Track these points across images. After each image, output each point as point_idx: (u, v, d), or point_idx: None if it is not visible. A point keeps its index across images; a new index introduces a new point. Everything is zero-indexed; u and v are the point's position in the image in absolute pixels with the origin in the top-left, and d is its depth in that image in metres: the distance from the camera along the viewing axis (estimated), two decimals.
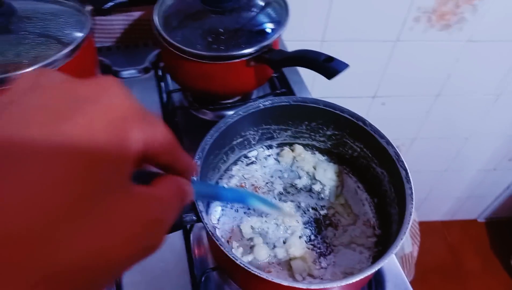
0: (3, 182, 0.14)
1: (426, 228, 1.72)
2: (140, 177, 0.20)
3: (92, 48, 0.61)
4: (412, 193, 0.42)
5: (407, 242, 1.16)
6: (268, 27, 0.62)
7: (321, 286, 0.37)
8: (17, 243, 0.14)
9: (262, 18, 0.64)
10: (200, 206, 0.40)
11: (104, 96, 0.18)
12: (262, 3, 0.67)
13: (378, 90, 1.14)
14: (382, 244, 0.49)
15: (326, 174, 0.56)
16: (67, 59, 0.52)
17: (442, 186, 1.56)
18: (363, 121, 0.48)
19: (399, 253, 1.15)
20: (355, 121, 0.48)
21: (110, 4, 0.59)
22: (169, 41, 0.58)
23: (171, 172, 0.24)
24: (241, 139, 0.52)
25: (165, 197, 0.21)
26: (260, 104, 0.49)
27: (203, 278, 0.48)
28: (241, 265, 0.37)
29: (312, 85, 1.10)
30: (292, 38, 0.96)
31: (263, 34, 0.61)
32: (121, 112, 0.18)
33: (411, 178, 0.43)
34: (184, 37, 0.62)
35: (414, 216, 1.23)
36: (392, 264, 0.53)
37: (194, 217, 0.40)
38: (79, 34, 0.55)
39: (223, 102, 0.70)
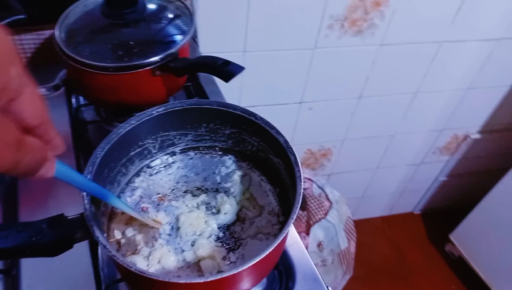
0: None
1: (367, 225, 1.80)
2: None
3: None
4: (300, 175, 0.44)
5: (342, 238, 1.20)
6: (173, 37, 0.63)
7: (219, 277, 0.38)
8: None
9: (168, 29, 0.65)
10: (91, 220, 0.39)
11: None
12: (168, 15, 0.68)
13: (304, 96, 1.18)
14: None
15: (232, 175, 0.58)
16: None
17: (376, 183, 1.64)
18: (254, 115, 0.50)
19: (336, 250, 1.19)
20: (247, 116, 0.50)
21: (6, 20, 0.57)
22: (70, 56, 0.58)
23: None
24: (139, 149, 0.52)
25: (29, 143, 0.24)
26: (153, 112, 0.49)
27: None
28: (137, 272, 0.37)
29: (240, 95, 1.13)
30: (214, 51, 0.99)
31: (167, 43, 0.62)
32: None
33: (299, 162, 0.45)
34: (92, 52, 0.62)
35: (348, 213, 1.28)
36: (301, 254, 0.55)
37: (82, 234, 0.39)
38: None
39: (136, 114, 0.69)
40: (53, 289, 0.48)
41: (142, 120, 0.50)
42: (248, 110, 0.51)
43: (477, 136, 1.53)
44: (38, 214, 0.53)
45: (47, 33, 0.78)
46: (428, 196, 1.81)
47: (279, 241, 0.40)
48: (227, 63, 0.53)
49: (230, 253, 0.50)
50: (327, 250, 1.18)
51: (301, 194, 0.44)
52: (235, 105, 0.52)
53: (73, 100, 0.72)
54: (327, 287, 0.54)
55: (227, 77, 0.52)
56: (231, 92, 1.10)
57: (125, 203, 0.38)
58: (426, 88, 1.28)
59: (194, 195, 0.55)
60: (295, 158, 0.47)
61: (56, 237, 0.37)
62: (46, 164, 0.28)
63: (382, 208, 1.83)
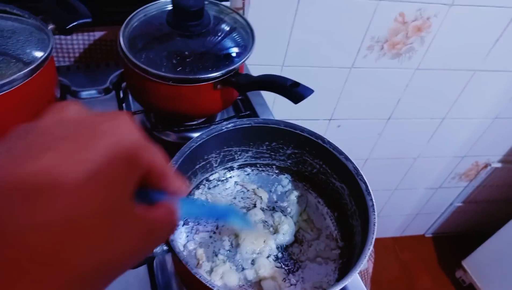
0: (35, 208, 0.18)
1: (378, 245, 1.79)
2: (140, 195, 0.23)
3: (52, 68, 0.59)
4: (373, 204, 0.44)
5: None
6: (234, 51, 0.64)
7: None
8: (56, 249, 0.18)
9: (228, 42, 0.65)
10: (172, 235, 0.39)
11: (117, 129, 0.22)
12: (228, 28, 0.68)
13: (334, 113, 1.19)
14: (346, 255, 0.51)
15: (289, 194, 0.57)
16: (26, 78, 0.50)
17: (393, 204, 1.64)
18: (322, 139, 0.50)
19: None
20: (314, 139, 0.50)
21: (74, 24, 0.57)
22: (134, 63, 0.58)
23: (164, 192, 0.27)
24: (203, 163, 0.52)
25: (158, 220, 0.24)
26: (223, 127, 0.50)
27: None
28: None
29: (272, 107, 1.13)
30: (254, 62, 0.99)
31: (229, 58, 0.62)
32: (130, 143, 0.22)
33: (371, 191, 0.45)
34: (148, 58, 0.62)
35: None
36: (356, 282, 0.54)
37: (165, 248, 0.39)
38: (40, 54, 0.53)
39: (187, 123, 0.70)
40: None
41: (212, 134, 0.50)
42: (315, 133, 0.52)
43: (498, 165, 1.53)
44: None
45: (97, 34, 0.78)
46: (441, 221, 1.81)
47: (355, 272, 0.40)
48: (296, 84, 0.53)
49: (290, 274, 0.50)
50: None
51: (375, 224, 0.44)
52: (302, 127, 0.52)
53: (123, 104, 0.72)
54: None
55: (297, 99, 0.52)
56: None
57: (246, 218, 0.39)
58: (455, 114, 1.28)
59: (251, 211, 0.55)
60: (366, 186, 0.47)
61: None
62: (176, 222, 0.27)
63: (395, 229, 1.83)
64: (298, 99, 0.52)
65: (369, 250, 0.41)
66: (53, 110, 0.22)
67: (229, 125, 0.50)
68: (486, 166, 1.54)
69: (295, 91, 0.52)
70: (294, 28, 0.95)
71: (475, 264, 1.62)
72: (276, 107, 1.13)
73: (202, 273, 0.48)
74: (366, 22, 0.97)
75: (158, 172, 0.24)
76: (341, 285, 0.39)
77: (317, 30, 0.96)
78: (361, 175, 0.47)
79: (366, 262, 1.21)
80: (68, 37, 0.76)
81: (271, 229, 0.54)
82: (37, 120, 0.21)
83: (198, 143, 0.48)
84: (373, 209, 0.44)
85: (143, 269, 0.51)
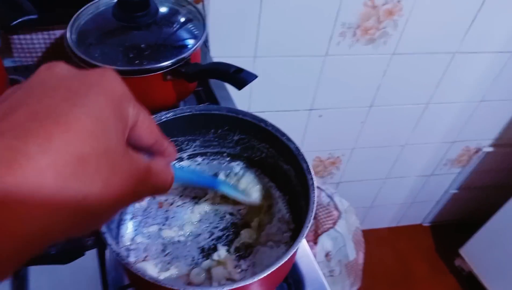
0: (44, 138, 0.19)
1: (373, 236, 1.77)
2: None
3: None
4: (313, 183, 0.43)
5: (350, 249, 1.18)
6: (184, 41, 0.63)
7: (235, 286, 0.37)
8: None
9: (179, 33, 0.65)
10: (103, 227, 0.39)
11: (106, 82, 0.23)
12: (181, 19, 0.67)
13: (314, 102, 1.17)
14: (297, 236, 0.50)
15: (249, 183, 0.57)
16: None
17: (385, 194, 1.62)
18: (264, 122, 0.49)
19: (343, 261, 1.17)
20: (257, 123, 0.49)
21: (19, 20, 0.57)
22: (80, 57, 0.57)
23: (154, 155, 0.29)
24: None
25: (153, 170, 0.26)
26: (162, 117, 0.49)
27: None
28: (149, 280, 0.36)
29: (249, 101, 1.12)
30: (225, 55, 0.98)
31: (178, 48, 0.61)
32: (119, 93, 0.23)
33: (311, 169, 0.44)
34: (103, 53, 0.61)
35: (357, 223, 1.26)
36: (311, 266, 0.54)
37: (94, 241, 0.39)
38: None
39: None
40: None
41: None
42: (258, 117, 0.51)
43: (490, 149, 1.50)
44: None
45: (57, 33, 0.78)
46: (438, 209, 1.78)
47: (294, 250, 0.39)
48: (239, 70, 0.52)
49: (241, 260, 0.49)
50: (335, 261, 1.16)
51: (315, 202, 0.43)
52: (244, 111, 0.51)
53: None
54: None
55: (240, 85, 0.51)
56: (241, 98, 1.09)
57: (235, 188, 0.44)
58: (438, 99, 1.26)
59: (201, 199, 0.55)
60: (307, 165, 0.46)
61: (67, 245, 0.37)
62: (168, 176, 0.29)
63: (390, 219, 1.81)
64: (241, 85, 0.51)
65: (307, 227, 0.40)
66: (42, 68, 0.24)
67: (168, 114, 0.50)
68: (477, 151, 1.52)
69: (238, 77, 0.51)
70: (261, 17, 0.94)
71: (473, 251, 1.59)
72: (254, 100, 1.12)
73: (148, 265, 0.47)
74: (335, 8, 0.96)
75: (146, 130, 0.26)
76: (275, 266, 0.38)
77: (286, 18, 0.95)
78: (302, 155, 0.46)
79: (354, 252, 1.20)
80: (28, 36, 0.76)
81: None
82: (28, 78, 0.23)
83: None
84: (313, 187, 0.43)
85: (93, 262, 0.51)
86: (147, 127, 0.26)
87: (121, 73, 0.57)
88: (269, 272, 0.37)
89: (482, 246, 1.55)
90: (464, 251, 1.62)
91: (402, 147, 1.42)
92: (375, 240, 1.76)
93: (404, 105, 1.26)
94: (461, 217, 1.84)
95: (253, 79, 0.52)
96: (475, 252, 1.58)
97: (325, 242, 1.13)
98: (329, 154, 1.37)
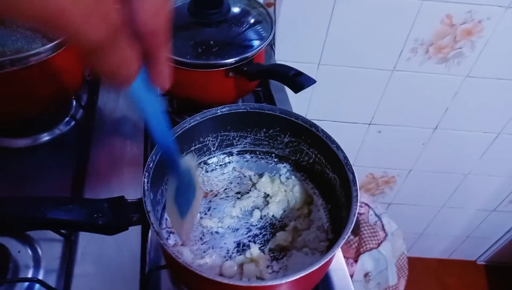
0: None
1: (420, 265, 1.68)
2: None
3: None
4: (357, 195, 0.43)
5: (392, 273, 1.13)
6: (251, 41, 0.65)
7: (262, 284, 0.38)
8: None
9: (247, 33, 0.66)
10: (148, 206, 0.41)
11: None
12: (251, 20, 0.69)
13: (374, 117, 1.14)
14: None
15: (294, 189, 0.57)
16: (52, 53, 0.56)
17: (439, 223, 1.53)
18: (316, 127, 0.49)
19: (383, 285, 1.13)
20: (308, 127, 0.49)
21: None
22: None
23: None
24: (199, 145, 0.54)
25: (123, 44, 0.23)
26: (217, 111, 0.51)
27: (150, 275, 0.49)
28: (183, 263, 0.38)
29: (308, 107, 1.12)
30: (289, 60, 0.99)
31: (244, 47, 0.63)
32: None
33: (357, 181, 0.44)
34: (175, 46, 0.65)
35: (403, 249, 1.20)
36: (344, 281, 0.53)
37: (139, 217, 0.41)
38: None
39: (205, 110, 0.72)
40: (103, 261, 0.51)
41: (207, 117, 0.51)
42: (310, 121, 0.51)
43: None
44: (101, 192, 0.57)
45: None
46: (497, 248, 1.65)
47: (326, 260, 0.39)
48: (299, 74, 0.53)
49: (274, 261, 0.50)
50: (374, 283, 1.12)
51: (356, 215, 0.42)
52: (297, 114, 0.51)
53: None
54: None
55: (297, 88, 0.51)
56: (300, 103, 1.10)
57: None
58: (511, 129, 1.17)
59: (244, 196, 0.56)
60: (353, 176, 0.45)
61: (115, 217, 0.39)
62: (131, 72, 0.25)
63: (441, 250, 1.70)
64: (298, 88, 0.51)
65: (344, 239, 0.40)
66: None
67: (224, 109, 0.51)
68: None
69: (296, 80, 0.52)
70: (330, 26, 0.93)
71: None
72: (312, 106, 1.12)
73: (185, 250, 0.49)
74: (409, 23, 0.93)
75: (151, 8, 0.23)
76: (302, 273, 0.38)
77: (355, 28, 0.94)
78: (350, 165, 0.45)
79: (395, 277, 1.15)
80: None
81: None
82: None
83: (192, 125, 0.50)
84: (356, 199, 0.43)
85: (136, 239, 0.54)
86: (153, 4, 0.23)
87: (186, 65, 0.60)
88: (299, 276, 0.37)
89: None
90: None
91: (465, 176, 1.33)
92: (421, 269, 1.67)
93: (473, 131, 1.18)
94: None
95: (311, 84, 0.52)
96: None
97: (366, 261, 1.10)
98: (384, 172, 1.32)
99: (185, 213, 0.44)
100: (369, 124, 1.16)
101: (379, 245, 1.14)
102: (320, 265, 0.38)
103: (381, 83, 1.06)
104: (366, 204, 1.22)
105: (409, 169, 1.31)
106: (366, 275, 1.11)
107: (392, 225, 1.21)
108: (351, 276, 1.12)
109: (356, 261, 1.12)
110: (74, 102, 0.72)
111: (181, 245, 0.50)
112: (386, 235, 1.17)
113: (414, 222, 1.54)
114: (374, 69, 1.02)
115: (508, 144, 1.21)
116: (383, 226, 1.19)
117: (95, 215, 0.39)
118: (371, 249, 1.13)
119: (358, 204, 0.43)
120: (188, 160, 0.42)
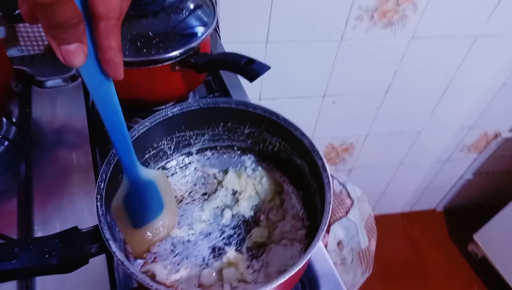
0: None
1: (386, 221, 1.75)
2: None
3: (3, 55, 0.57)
4: (329, 181, 0.41)
5: (362, 237, 1.17)
6: (193, 30, 0.60)
7: None
8: None
9: (188, 21, 0.61)
10: (107, 233, 0.37)
11: None
12: (191, 5, 0.64)
13: (328, 89, 1.14)
14: (312, 235, 0.48)
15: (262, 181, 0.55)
16: None
17: (399, 179, 1.59)
18: (276, 115, 0.46)
19: (356, 249, 1.16)
20: (268, 116, 0.47)
21: (18, 11, 0.54)
22: None
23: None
24: (154, 151, 0.50)
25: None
26: (168, 112, 0.46)
27: None
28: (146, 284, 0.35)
29: (261, 87, 1.09)
30: (236, 41, 0.95)
31: (187, 37, 0.59)
32: None
33: (327, 167, 0.42)
34: None
35: (370, 211, 1.24)
36: (326, 265, 0.52)
37: (98, 248, 0.37)
38: None
39: (155, 108, 0.67)
40: None
41: (157, 121, 0.47)
42: (269, 110, 0.48)
43: (509, 135, 1.45)
44: (53, 221, 0.52)
45: None
46: (452, 194, 1.75)
47: (308, 257, 0.37)
48: (251, 61, 0.50)
49: (253, 260, 0.47)
50: (347, 249, 1.14)
51: (331, 202, 0.41)
52: (255, 104, 0.48)
53: None
54: None
55: (251, 77, 0.48)
56: (253, 84, 1.06)
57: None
58: (458, 83, 1.21)
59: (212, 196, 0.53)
60: (323, 162, 0.43)
61: (70, 252, 0.35)
62: (77, 47, 0.25)
63: (403, 204, 1.78)
64: (253, 77, 0.48)
65: (323, 231, 0.38)
66: None
67: (175, 110, 0.47)
68: (496, 136, 1.47)
69: (249, 69, 0.49)
70: (274, 1, 0.89)
71: (487, 237, 1.57)
72: (265, 86, 1.09)
73: (157, 267, 0.46)
74: None
75: None
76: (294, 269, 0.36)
77: (299, 1, 0.91)
78: (317, 151, 0.44)
79: (366, 240, 1.18)
80: (35, 28, 0.74)
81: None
82: None
83: (141, 132, 0.46)
84: (329, 186, 0.41)
85: (102, 265, 0.50)
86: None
87: (126, 64, 0.55)
88: (284, 279, 0.35)
89: (497, 231, 1.52)
90: (478, 236, 1.60)
91: (418, 132, 1.38)
92: (387, 225, 1.74)
93: (422, 90, 1.21)
94: (475, 203, 1.81)
95: (265, 71, 0.50)
96: (490, 238, 1.56)
97: (337, 231, 1.12)
98: (342, 141, 1.34)
99: (139, 224, 0.43)
100: (323, 96, 1.16)
101: (347, 212, 1.17)
102: (304, 262, 0.37)
103: (330, 54, 1.05)
104: (330, 175, 1.23)
105: (366, 134, 1.34)
106: (339, 243, 1.14)
107: (357, 190, 1.23)
108: (325, 246, 1.14)
109: (327, 232, 1.13)
110: (4, 120, 0.64)
111: (152, 262, 0.47)
112: (353, 201, 1.19)
113: (376, 183, 1.59)
114: (322, 41, 1.01)
115: (455, 97, 1.26)
116: (348, 193, 1.22)
117: (46, 256, 0.34)
118: (340, 217, 1.15)
119: (332, 190, 0.42)
120: (157, 175, 0.42)
